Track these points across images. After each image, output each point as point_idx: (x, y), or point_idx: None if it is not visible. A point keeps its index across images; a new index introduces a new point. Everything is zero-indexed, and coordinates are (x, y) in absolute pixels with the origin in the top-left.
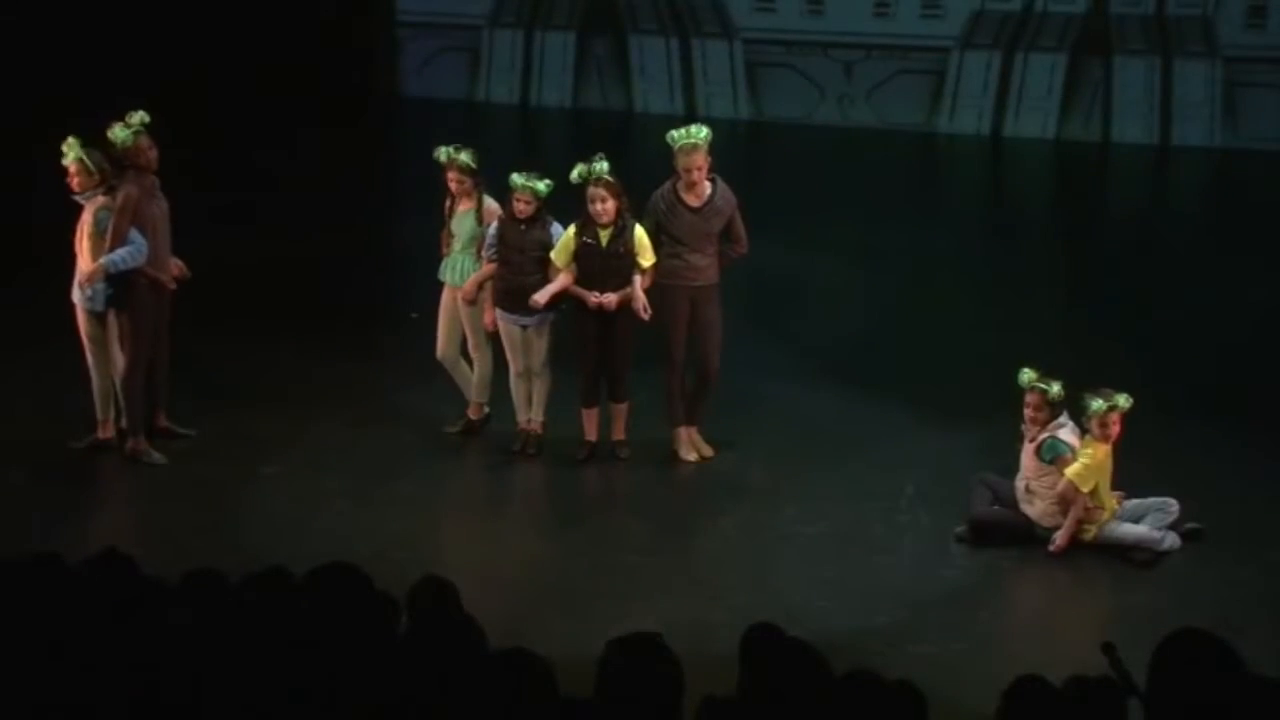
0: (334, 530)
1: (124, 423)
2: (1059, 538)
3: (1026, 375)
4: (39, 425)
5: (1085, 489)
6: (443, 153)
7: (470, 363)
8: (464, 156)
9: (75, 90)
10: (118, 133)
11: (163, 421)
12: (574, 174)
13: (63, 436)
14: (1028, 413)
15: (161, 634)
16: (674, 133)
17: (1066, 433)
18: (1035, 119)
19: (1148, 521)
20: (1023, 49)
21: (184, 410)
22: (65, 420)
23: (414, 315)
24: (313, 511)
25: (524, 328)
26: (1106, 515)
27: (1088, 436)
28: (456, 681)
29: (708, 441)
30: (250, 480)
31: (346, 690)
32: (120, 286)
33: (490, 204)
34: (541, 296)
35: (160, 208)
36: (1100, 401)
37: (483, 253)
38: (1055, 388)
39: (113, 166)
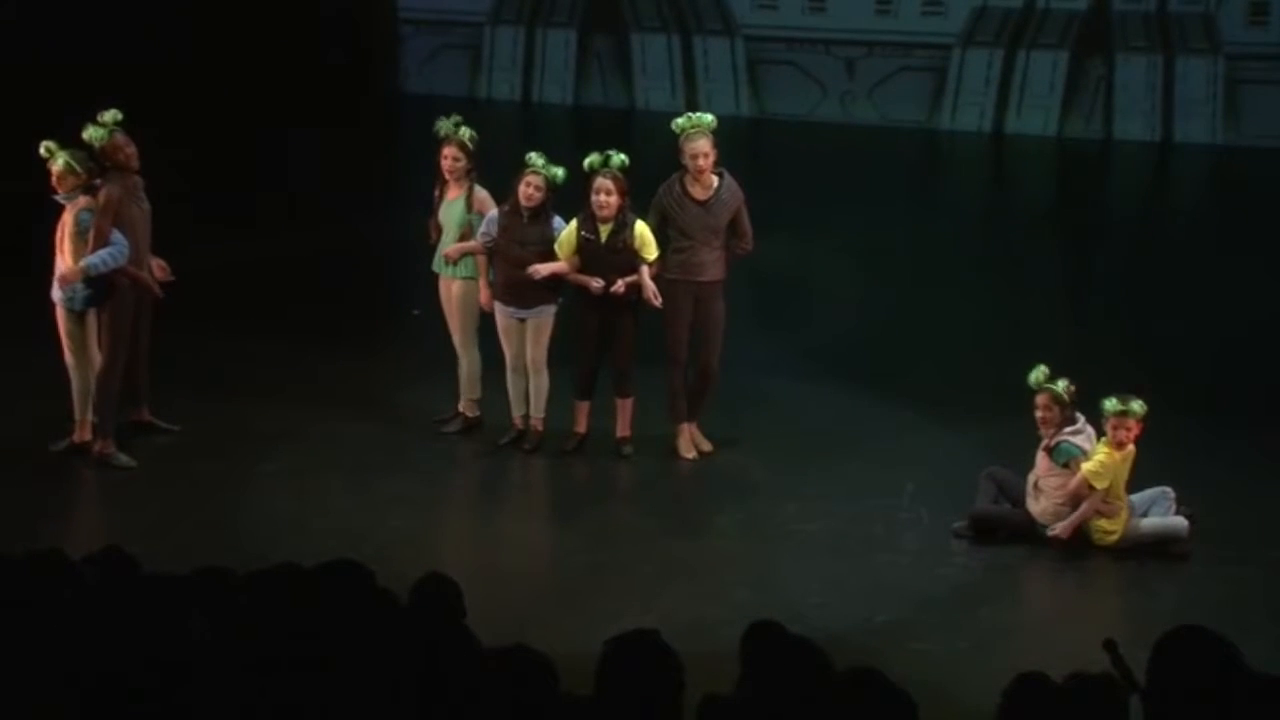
0: (335, 527)
1: (92, 416)
2: (1060, 527)
3: (1035, 375)
4: (37, 424)
5: (1099, 486)
6: (445, 125)
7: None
8: (466, 132)
9: (72, 90)
10: (92, 131)
11: (146, 416)
12: (588, 161)
13: (57, 436)
14: (1038, 413)
15: (164, 631)
16: (679, 120)
17: (1082, 439)
18: (1037, 116)
19: (1156, 512)
20: (1024, 46)
21: (184, 407)
22: (61, 419)
23: (416, 312)
24: (314, 509)
25: (521, 320)
26: (1125, 515)
27: (1103, 439)
28: (458, 678)
29: (707, 437)
30: (251, 478)
31: (349, 686)
32: (100, 287)
33: (481, 193)
34: (541, 269)
35: (142, 209)
36: (1113, 402)
37: (478, 236)
38: (1061, 384)
39: (96, 165)
